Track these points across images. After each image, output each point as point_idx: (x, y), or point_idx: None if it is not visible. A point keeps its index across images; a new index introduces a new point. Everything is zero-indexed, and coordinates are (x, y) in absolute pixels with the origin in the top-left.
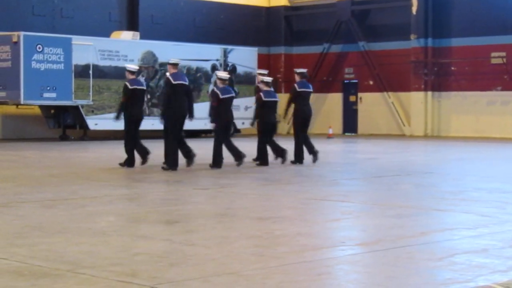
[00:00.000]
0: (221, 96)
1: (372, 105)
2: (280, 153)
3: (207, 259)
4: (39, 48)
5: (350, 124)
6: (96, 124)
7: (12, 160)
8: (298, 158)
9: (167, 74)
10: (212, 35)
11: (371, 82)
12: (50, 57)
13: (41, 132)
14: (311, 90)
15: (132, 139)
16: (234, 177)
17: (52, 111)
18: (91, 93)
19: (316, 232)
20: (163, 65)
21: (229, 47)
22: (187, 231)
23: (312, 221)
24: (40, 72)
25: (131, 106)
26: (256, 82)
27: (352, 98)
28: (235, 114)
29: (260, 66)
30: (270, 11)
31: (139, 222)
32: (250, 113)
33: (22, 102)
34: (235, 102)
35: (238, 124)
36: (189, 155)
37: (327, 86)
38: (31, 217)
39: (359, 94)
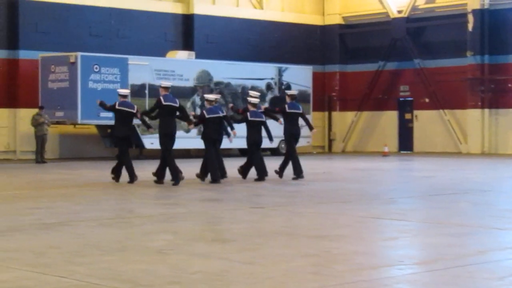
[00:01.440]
0: (206, 116)
1: (428, 122)
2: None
3: (264, 277)
4: (96, 68)
5: (405, 142)
6: (152, 143)
7: (69, 179)
8: (297, 172)
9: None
10: (266, 54)
11: (426, 100)
12: (106, 77)
13: (98, 151)
14: (300, 111)
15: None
16: (288, 195)
17: (109, 130)
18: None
19: (374, 250)
20: (218, 84)
21: (284, 65)
22: (244, 249)
23: (369, 240)
24: (97, 92)
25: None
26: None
27: (407, 116)
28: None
29: (315, 84)
30: (324, 29)
31: (196, 240)
32: (305, 131)
33: (79, 121)
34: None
35: None
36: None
37: (382, 104)
38: (89, 235)
39: (415, 112)
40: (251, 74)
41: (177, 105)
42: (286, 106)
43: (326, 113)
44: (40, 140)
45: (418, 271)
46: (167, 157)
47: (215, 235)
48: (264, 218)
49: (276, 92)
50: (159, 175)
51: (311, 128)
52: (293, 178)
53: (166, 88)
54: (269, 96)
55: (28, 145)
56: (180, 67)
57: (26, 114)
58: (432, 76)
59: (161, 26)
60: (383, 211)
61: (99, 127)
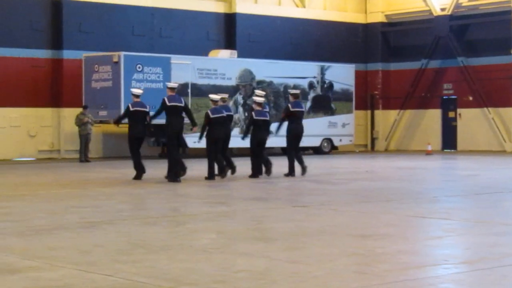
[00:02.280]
0: (211, 116)
1: (471, 120)
2: (266, 167)
3: (309, 276)
4: (139, 67)
5: (449, 141)
6: (195, 142)
7: (113, 177)
8: (291, 171)
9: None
10: (308, 53)
11: (470, 98)
12: (149, 76)
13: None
14: (303, 109)
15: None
16: (331, 194)
17: (152, 129)
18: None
19: (418, 250)
20: (260, 83)
21: (326, 64)
22: (288, 248)
23: (413, 239)
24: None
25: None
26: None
27: (451, 114)
28: (332, 131)
29: (357, 82)
30: (367, 27)
31: (240, 239)
32: (348, 130)
33: (122, 121)
34: (332, 119)
35: (336, 141)
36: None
37: (425, 102)
38: (134, 234)
39: (458, 110)
40: (293, 73)
41: (183, 104)
42: (290, 105)
43: (369, 112)
44: (84, 139)
45: (463, 271)
46: (173, 154)
47: (259, 234)
48: (308, 217)
49: (318, 90)
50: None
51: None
52: (285, 175)
53: (172, 89)
54: (311, 95)
55: (72, 144)
56: (223, 66)
57: (70, 114)
58: (476, 74)
59: (204, 25)
60: (427, 210)
61: None
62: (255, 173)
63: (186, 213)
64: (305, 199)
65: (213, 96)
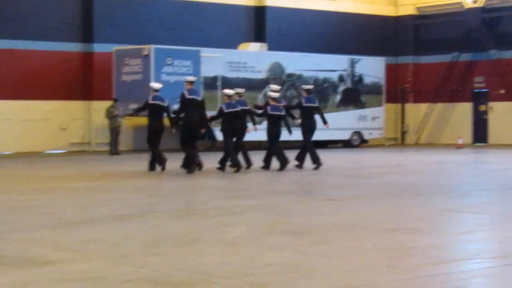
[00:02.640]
0: (225, 110)
1: (503, 114)
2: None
3: (340, 270)
4: (169, 60)
5: (480, 134)
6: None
7: (143, 170)
8: (317, 162)
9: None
10: (339, 46)
11: (502, 91)
12: (179, 69)
13: (171, 143)
14: (316, 104)
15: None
16: (361, 188)
17: (181, 122)
18: (219, 105)
19: (449, 244)
20: (290, 76)
21: (356, 57)
22: (318, 242)
23: (444, 233)
24: (169, 84)
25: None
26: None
27: (482, 108)
28: (362, 124)
29: (388, 75)
30: (397, 20)
31: (270, 232)
32: (378, 123)
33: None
34: (362, 113)
35: (365, 134)
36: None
37: (456, 95)
38: (164, 227)
39: (490, 103)
40: (323, 66)
41: (200, 98)
42: (303, 100)
43: (399, 105)
44: (114, 132)
45: (495, 265)
46: (188, 148)
47: (289, 228)
48: (338, 210)
49: (348, 83)
50: (187, 164)
51: (325, 122)
52: (296, 166)
53: (190, 82)
54: (341, 88)
55: (103, 137)
56: (252, 59)
57: (100, 107)
58: (508, 67)
59: (234, 18)
60: (459, 204)
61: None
62: (284, 163)
63: (215, 206)
64: (335, 192)
65: (227, 91)
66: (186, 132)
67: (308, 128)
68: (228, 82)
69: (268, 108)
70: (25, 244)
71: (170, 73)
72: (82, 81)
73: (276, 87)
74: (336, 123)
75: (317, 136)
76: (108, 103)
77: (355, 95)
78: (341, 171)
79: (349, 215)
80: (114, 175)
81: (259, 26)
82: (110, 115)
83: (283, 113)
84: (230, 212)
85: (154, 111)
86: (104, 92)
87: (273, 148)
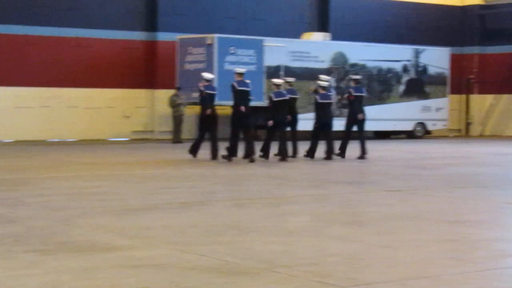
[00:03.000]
0: (274, 99)
1: None
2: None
3: (403, 261)
4: (232, 50)
5: None
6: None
7: (205, 159)
8: (341, 152)
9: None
10: (403, 36)
11: None
12: (242, 59)
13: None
14: (364, 94)
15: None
16: (426, 179)
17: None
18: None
19: None
20: (353, 66)
21: (421, 47)
22: (381, 233)
23: (510, 226)
24: (232, 74)
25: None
26: None
27: None
28: (426, 115)
29: (452, 66)
30: (463, 9)
31: (332, 222)
32: (442, 114)
33: (215, 103)
34: (426, 103)
35: (429, 125)
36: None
37: None
38: (227, 215)
39: None
40: (387, 56)
41: (249, 89)
42: (352, 90)
43: (464, 96)
44: (177, 120)
45: None
46: (235, 136)
47: (352, 218)
48: (401, 202)
49: (412, 74)
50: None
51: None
52: (337, 154)
53: (240, 74)
54: (405, 78)
55: (165, 125)
56: (316, 48)
57: (163, 95)
58: None
59: (297, 8)
60: None
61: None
62: (311, 153)
63: (278, 195)
64: (398, 183)
65: (275, 80)
66: (237, 121)
67: (354, 117)
68: (290, 72)
69: (318, 96)
70: (90, 230)
71: (233, 62)
72: (145, 69)
73: (326, 77)
74: (399, 114)
75: (381, 126)
76: (171, 92)
77: (419, 85)
78: (404, 162)
79: (411, 206)
80: (176, 163)
81: (322, 15)
82: (173, 103)
83: (332, 100)
84: (291, 202)
85: (207, 99)
86: (167, 80)
87: (328, 135)
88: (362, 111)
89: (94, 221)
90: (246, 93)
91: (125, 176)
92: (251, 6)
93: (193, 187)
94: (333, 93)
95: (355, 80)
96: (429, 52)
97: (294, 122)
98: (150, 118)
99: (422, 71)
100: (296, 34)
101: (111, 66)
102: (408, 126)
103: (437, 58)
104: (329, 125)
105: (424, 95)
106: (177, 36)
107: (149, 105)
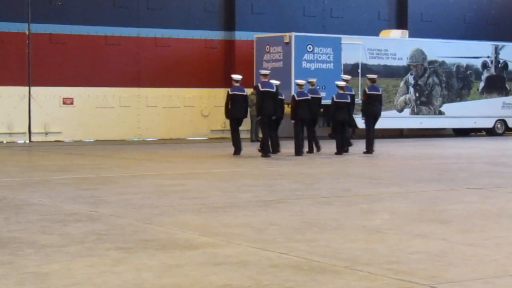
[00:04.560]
0: (297, 98)
1: None
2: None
3: (487, 260)
4: (310, 48)
5: None
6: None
7: (282, 158)
8: (368, 149)
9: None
10: (483, 32)
11: None
12: (320, 57)
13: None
14: (380, 92)
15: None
16: (506, 176)
17: (322, 109)
18: (360, 92)
19: None
20: (432, 63)
21: (501, 43)
22: (464, 230)
23: None
24: (310, 72)
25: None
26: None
27: None
28: (507, 112)
29: None
30: None
31: (414, 220)
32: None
33: None
34: (507, 100)
35: (510, 122)
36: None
37: None
38: (307, 213)
39: None
40: (466, 53)
41: (274, 90)
42: (367, 88)
43: None
44: (255, 119)
45: None
46: (267, 134)
47: (434, 216)
48: (483, 199)
49: (492, 70)
50: (266, 150)
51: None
52: (364, 152)
53: (265, 75)
54: (485, 75)
55: (244, 124)
56: (394, 46)
57: None
58: None
59: (375, 5)
60: None
61: None
62: (339, 150)
63: (358, 193)
64: (479, 181)
65: (298, 81)
66: (264, 120)
67: (369, 115)
68: (368, 69)
69: (334, 96)
70: (171, 228)
71: (310, 60)
72: (223, 68)
73: (346, 77)
74: (479, 111)
75: (460, 124)
76: (249, 91)
77: (499, 82)
78: (485, 159)
79: (494, 204)
80: (254, 161)
81: (401, 12)
82: (251, 102)
83: (349, 100)
84: (372, 200)
85: (236, 100)
86: (245, 79)
87: (341, 134)
88: (377, 108)
89: (175, 219)
90: (270, 94)
91: (205, 174)
92: (328, 4)
93: (273, 185)
94: (352, 92)
95: (371, 79)
96: (510, 48)
97: (314, 121)
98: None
99: (502, 67)
100: (374, 32)
101: (189, 66)
102: (488, 123)
103: None
104: (344, 123)
105: (505, 92)
106: (255, 35)
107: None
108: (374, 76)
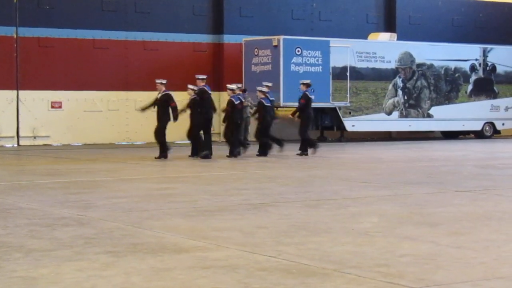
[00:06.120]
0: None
1: None
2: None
3: (475, 262)
4: (298, 51)
5: None
6: (353, 126)
7: (272, 161)
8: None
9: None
10: (471, 35)
11: None
12: (308, 60)
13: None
14: (312, 97)
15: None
16: (496, 179)
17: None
18: (348, 95)
19: None
20: (420, 65)
21: (489, 46)
22: (453, 233)
23: None
24: (298, 75)
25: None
26: None
27: None
28: (495, 114)
29: None
30: None
31: (403, 223)
32: (511, 113)
33: (281, 104)
34: (495, 103)
35: (498, 125)
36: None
37: None
38: (296, 216)
39: None
40: (455, 55)
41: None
42: (307, 93)
43: None
44: (244, 122)
45: None
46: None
47: (422, 218)
48: (472, 202)
49: (480, 73)
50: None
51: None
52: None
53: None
54: (473, 78)
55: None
56: (382, 49)
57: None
58: None
59: (363, 8)
60: None
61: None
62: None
63: (347, 196)
64: (468, 183)
65: (230, 86)
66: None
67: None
68: (357, 73)
69: (263, 100)
70: (160, 232)
71: (299, 63)
72: (212, 71)
73: (268, 83)
74: (468, 114)
75: (449, 126)
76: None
77: (487, 85)
78: (473, 162)
79: (483, 206)
80: (244, 165)
81: (389, 15)
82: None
83: (270, 104)
84: (361, 203)
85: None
86: (233, 82)
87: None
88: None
89: (164, 222)
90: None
91: (193, 178)
92: (317, 7)
93: (262, 188)
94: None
95: (305, 84)
96: (498, 51)
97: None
98: (216, 120)
99: (490, 70)
100: (363, 35)
101: (178, 69)
102: (476, 126)
103: (506, 57)
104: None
105: (493, 95)
106: (243, 38)
107: (216, 107)
108: (308, 81)
